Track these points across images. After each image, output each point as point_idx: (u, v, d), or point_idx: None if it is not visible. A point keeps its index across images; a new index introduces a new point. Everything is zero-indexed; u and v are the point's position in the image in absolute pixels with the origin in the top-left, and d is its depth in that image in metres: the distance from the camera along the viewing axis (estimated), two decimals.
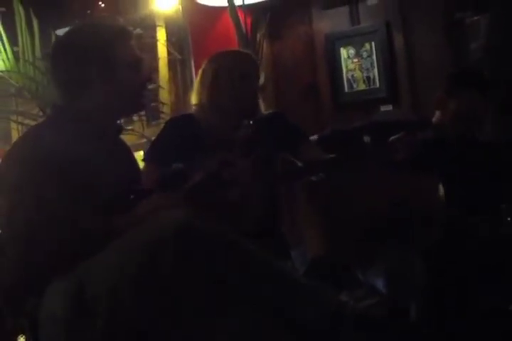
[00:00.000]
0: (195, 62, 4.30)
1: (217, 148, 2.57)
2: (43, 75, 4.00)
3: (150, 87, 3.87)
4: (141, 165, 2.60)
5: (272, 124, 2.74)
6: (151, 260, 1.65)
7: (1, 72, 4.03)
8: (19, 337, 2.00)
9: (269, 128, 2.71)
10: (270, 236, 2.47)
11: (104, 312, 1.66)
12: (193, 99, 2.77)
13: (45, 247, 1.76)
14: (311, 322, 1.73)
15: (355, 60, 4.23)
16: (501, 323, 2.27)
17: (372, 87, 4.19)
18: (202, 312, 1.64)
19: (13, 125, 4.53)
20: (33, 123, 3.93)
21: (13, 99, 4.43)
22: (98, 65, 2.02)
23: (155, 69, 4.41)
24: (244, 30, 4.04)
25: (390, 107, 4.13)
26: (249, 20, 4.12)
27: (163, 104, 4.40)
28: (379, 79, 4.15)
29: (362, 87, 4.22)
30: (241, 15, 4.04)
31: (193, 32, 4.38)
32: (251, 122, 2.70)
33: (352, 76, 4.24)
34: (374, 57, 4.16)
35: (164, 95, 4.48)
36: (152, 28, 4.48)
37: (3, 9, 4.10)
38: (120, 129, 2.22)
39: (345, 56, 4.26)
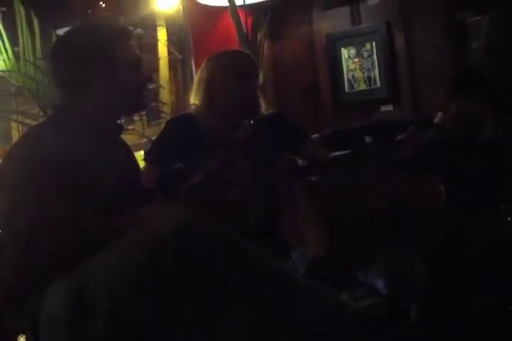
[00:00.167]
0: (195, 61, 4.30)
1: (217, 148, 2.57)
2: (43, 75, 4.00)
3: (150, 86, 3.88)
4: (142, 164, 2.60)
5: (272, 124, 2.74)
6: (151, 260, 1.65)
7: (2, 71, 4.04)
8: (20, 337, 2.01)
9: (270, 128, 2.71)
10: (270, 236, 2.47)
11: (105, 312, 1.65)
12: (192, 98, 2.77)
13: (45, 247, 1.76)
14: (311, 322, 1.73)
15: (356, 60, 4.23)
16: (501, 323, 2.26)
17: (372, 87, 4.19)
18: (202, 312, 1.64)
19: (14, 124, 4.53)
20: (33, 122, 3.94)
21: (14, 99, 4.43)
22: (98, 64, 2.02)
23: (155, 69, 4.41)
24: (244, 30, 4.04)
25: (390, 107, 4.13)
26: (249, 20, 4.12)
27: (164, 103, 4.40)
28: (380, 79, 4.15)
29: (362, 87, 4.22)
30: (242, 15, 4.04)
31: (194, 32, 4.39)
32: (251, 122, 2.70)
33: (353, 76, 4.24)
34: (375, 57, 4.16)
35: (165, 95, 4.48)
36: (153, 28, 4.48)
37: (3, 9, 4.10)
38: (121, 129, 2.22)
39: (346, 56, 4.26)
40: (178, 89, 4.52)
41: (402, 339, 1.89)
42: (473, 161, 2.75)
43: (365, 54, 4.19)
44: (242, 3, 4.02)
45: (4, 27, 3.98)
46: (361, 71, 4.21)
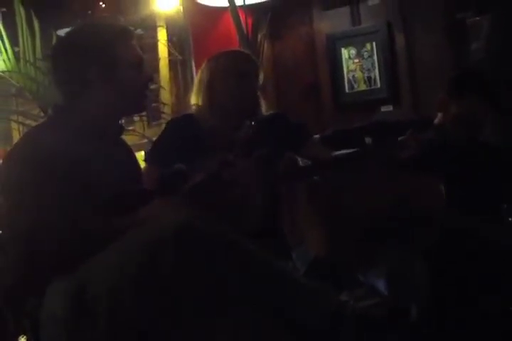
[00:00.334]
0: (196, 62, 4.31)
1: (217, 149, 2.57)
2: (43, 75, 4.00)
3: (151, 87, 3.88)
4: (142, 165, 2.60)
5: (273, 125, 2.74)
6: (151, 260, 1.65)
7: (2, 72, 4.04)
8: (20, 337, 2.01)
9: (270, 128, 2.71)
10: (271, 236, 2.47)
11: (105, 312, 1.65)
12: (193, 99, 2.77)
13: (46, 247, 1.76)
14: (311, 322, 1.73)
15: (356, 61, 4.23)
16: (501, 323, 2.26)
17: (373, 87, 4.19)
18: (202, 312, 1.64)
19: (14, 125, 4.53)
20: (33, 123, 3.93)
21: (14, 99, 4.43)
22: (99, 64, 2.02)
23: (156, 69, 4.41)
24: (245, 30, 4.04)
25: (390, 107, 4.13)
26: (250, 21, 4.12)
27: (164, 104, 4.41)
28: (380, 80, 4.15)
29: (363, 87, 4.23)
30: (242, 16, 4.04)
31: (194, 32, 4.39)
32: (252, 123, 2.70)
33: (353, 76, 4.25)
34: (375, 57, 4.16)
35: (165, 95, 4.48)
36: (153, 29, 4.48)
37: (3, 9, 4.10)
38: (121, 129, 2.22)
39: (346, 56, 4.26)
40: (178, 89, 4.52)
41: (402, 339, 1.89)
42: (474, 161, 2.75)
43: (366, 54, 4.19)
44: (242, 3, 4.02)
45: (4, 27, 3.98)
46: (361, 71, 4.21)
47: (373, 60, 4.17)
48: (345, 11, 4.25)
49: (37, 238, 1.76)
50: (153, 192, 2.04)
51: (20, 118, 4.22)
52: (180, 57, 4.46)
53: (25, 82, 4.04)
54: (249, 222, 2.30)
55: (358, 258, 2.40)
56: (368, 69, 4.19)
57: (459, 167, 2.69)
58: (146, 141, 4.05)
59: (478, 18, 3.76)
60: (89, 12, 4.48)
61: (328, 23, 4.33)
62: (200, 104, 2.72)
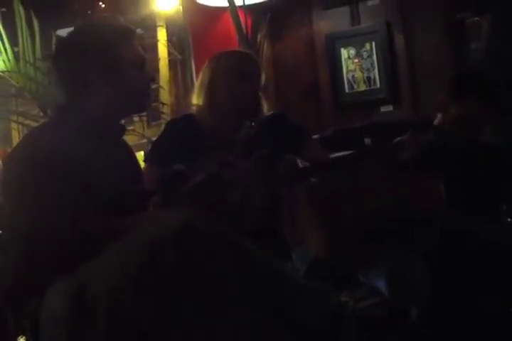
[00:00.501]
0: (195, 62, 4.31)
1: (217, 149, 2.57)
2: (43, 76, 4.00)
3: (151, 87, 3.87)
4: (142, 165, 2.60)
5: (274, 125, 2.73)
6: (151, 260, 1.65)
7: (2, 72, 4.03)
8: (20, 337, 2.01)
9: (271, 129, 2.71)
10: (271, 236, 2.47)
11: (105, 312, 1.65)
12: (194, 99, 2.76)
13: (46, 247, 1.76)
14: (311, 322, 1.73)
15: (356, 61, 4.23)
16: (501, 324, 2.26)
17: (372, 87, 4.19)
18: (202, 312, 1.64)
19: (14, 125, 4.53)
20: (33, 123, 3.94)
21: (14, 100, 4.43)
22: (100, 65, 2.02)
23: (155, 69, 4.40)
24: (244, 30, 4.04)
25: (390, 108, 4.13)
26: (249, 21, 4.12)
27: (164, 104, 4.40)
28: (379, 80, 4.15)
29: (362, 87, 4.23)
30: (241, 16, 4.04)
31: (194, 32, 4.38)
32: (253, 123, 2.70)
33: (352, 76, 4.24)
34: (374, 57, 4.16)
35: (165, 95, 4.48)
36: (153, 28, 4.48)
37: (3, 9, 4.10)
38: (123, 130, 2.22)
39: (346, 56, 4.26)
40: (178, 89, 4.52)
41: (402, 339, 1.90)
42: (473, 162, 2.75)
43: (365, 54, 4.19)
44: (241, 3, 4.02)
45: (4, 27, 3.98)
46: (361, 71, 4.21)
47: (373, 60, 4.17)
48: (344, 10, 4.25)
49: (37, 238, 1.77)
50: (153, 192, 2.04)
51: (20, 119, 4.21)
52: (179, 57, 4.46)
53: (24, 82, 4.04)
54: (249, 222, 2.30)
55: (358, 258, 2.40)
56: (368, 70, 4.19)
57: (459, 168, 2.68)
58: (145, 141, 4.05)
59: (477, 18, 3.76)
60: (89, 12, 4.47)
61: (328, 23, 4.33)
62: (201, 104, 2.72)
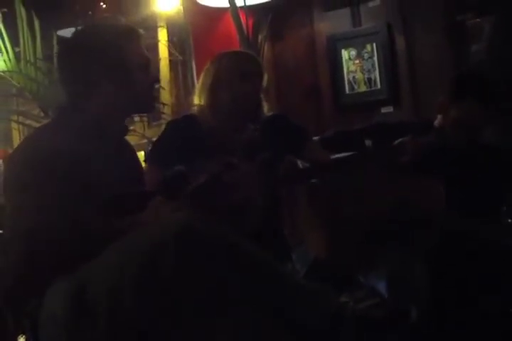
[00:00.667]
0: (196, 62, 4.31)
1: (218, 150, 2.57)
2: (44, 76, 4.01)
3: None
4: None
5: (274, 126, 2.74)
6: (152, 261, 1.65)
7: (3, 72, 4.03)
8: (19, 337, 2.01)
9: (272, 130, 2.71)
10: (271, 237, 2.47)
11: (105, 312, 1.65)
12: (195, 100, 2.77)
13: (46, 247, 1.76)
14: (311, 322, 1.74)
15: (357, 62, 4.23)
16: (501, 325, 2.26)
17: (373, 88, 4.19)
18: (202, 313, 1.64)
19: (14, 125, 4.54)
20: (33, 123, 3.95)
21: (14, 100, 4.43)
22: (105, 65, 2.02)
23: (156, 70, 4.40)
24: (245, 31, 4.04)
25: (390, 109, 4.13)
26: (250, 22, 4.12)
27: (164, 104, 4.40)
28: (380, 81, 4.15)
29: (363, 88, 4.23)
30: (242, 17, 4.04)
31: (195, 33, 4.38)
32: (257, 127, 2.70)
33: (353, 77, 4.24)
34: (375, 58, 4.16)
35: (165, 96, 4.48)
36: (153, 29, 4.48)
37: (4, 10, 4.09)
38: (126, 130, 2.22)
39: (347, 57, 4.26)
40: (178, 90, 4.52)
41: (402, 339, 1.90)
42: (473, 164, 2.75)
43: (366, 55, 4.19)
44: (242, 4, 4.02)
45: (5, 28, 3.98)
46: (362, 72, 4.21)
47: (373, 61, 4.17)
48: (345, 12, 4.25)
49: (37, 238, 1.77)
50: (153, 193, 2.04)
51: (21, 119, 4.22)
52: (180, 58, 4.46)
53: (25, 82, 4.04)
54: (249, 222, 2.30)
55: (358, 260, 2.40)
56: (368, 71, 4.19)
57: (459, 169, 2.69)
58: (146, 141, 4.05)
59: (478, 20, 3.76)
60: (90, 12, 4.47)
61: (329, 24, 4.33)
62: (202, 104, 2.72)
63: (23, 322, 1.87)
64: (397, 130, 2.86)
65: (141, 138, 4.13)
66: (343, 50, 4.27)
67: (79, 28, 2.15)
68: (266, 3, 4.15)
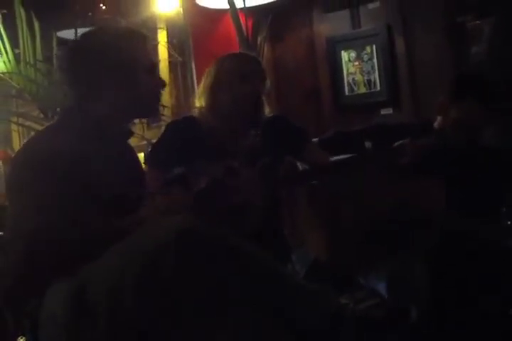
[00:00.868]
0: (196, 64, 4.31)
1: (218, 151, 2.57)
2: (43, 77, 4.00)
3: None
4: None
5: (275, 128, 2.74)
6: (153, 262, 1.65)
7: (2, 73, 4.03)
8: (19, 338, 2.00)
9: (272, 131, 2.71)
10: (271, 237, 2.47)
11: (105, 312, 1.66)
12: (196, 102, 2.77)
13: (46, 247, 1.77)
14: (311, 322, 1.74)
15: (356, 63, 4.23)
16: (501, 325, 2.27)
17: (372, 90, 4.19)
18: (202, 313, 1.64)
19: (14, 127, 4.53)
20: (33, 125, 3.95)
21: (14, 101, 4.43)
22: (111, 67, 2.02)
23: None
24: (245, 32, 4.04)
25: (390, 110, 4.13)
26: (250, 23, 4.12)
27: (164, 106, 4.39)
28: (380, 83, 4.15)
29: (363, 90, 4.23)
30: (242, 18, 4.04)
31: (194, 34, 4.38)
32: (258, 132, 2.70)
33: (353, 79, 4.25)
34: (375, 60, 4.16)
35: (165, 97, 4.46)
36: (153, 30, 4.47)
37: (4, 11, 4.09)
38: (129, 133, 2.22)
39: (346, 59, 4.26)
40: (178, 91, 4.52)
41: (402, 339, 1.90)
42: (473, 164, 2.75)
43: (365, 57, 4.19)
44: (242, 5, 4.02)
45: (5, 29, 3.97)
46: (361, 74, 4.21)
47: (373, 62, 4.17)
48: (345, 13, 4.25)
49: (38, 238, 1.77)
50: (154, 194, 2.04)
51: (20, 120, 4.22)
52: (180, 59, 4.46)
53: (25, 83, 4.03)
54: (250, 223, 2.30)
55: (359, 260, 2.40)
56: (368, 72, 4.19)
57: (459, 170, 2.69)
58: (145, 142, 4.04)
59: (478, 22, 3.76)
60: (90, 14, 4.47)
61: (329, 25, 4.33)
62: (203, 106, 2.72)
63: (23, 323, 1.86)
64: (396, 131, 2.86)
65: (140, 140, 4.12)
66: (342, 52, 4.27)
67: (86, 30, 2.16)
68: (266, 4, 4.15)
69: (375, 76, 4.16)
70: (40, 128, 3.59)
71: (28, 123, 4.10)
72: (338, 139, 3.04)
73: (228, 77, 2.67)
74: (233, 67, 2.69)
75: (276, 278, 1.77)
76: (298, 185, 2.54)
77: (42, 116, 3.99)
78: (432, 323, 2.19)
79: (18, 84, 4.06)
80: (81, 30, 3.48)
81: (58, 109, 3.79)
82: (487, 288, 2.29)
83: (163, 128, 2.99)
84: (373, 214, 2.39)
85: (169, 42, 4.48)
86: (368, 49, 4.17)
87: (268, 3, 4.15)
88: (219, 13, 4.29)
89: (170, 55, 4.49)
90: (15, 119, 4.27)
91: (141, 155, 3.24)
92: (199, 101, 2.75)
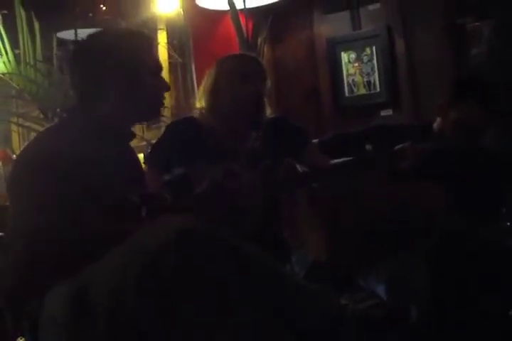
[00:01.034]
0: (196, 65, 4.31)
1: (218, 151, 2.57)
2: (43, 78, 4.00)
3: None
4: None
5: (275, 129, 2.74)
6: (153, 263, 1.65)
7: (2, 74, 4.03)
8: (19, 338, 2.00)
9: (273, 132, 2.71)
10: (271, 239, 2.47)
11: (105, 313, 1.65)
12: (197, 103, 2.77)
13: (47, 248, 1.76)
14: (311, 322, 1.74)
15: (356, 65, 4.24)
16: (501, 325, 2.27)
17: (372, 91, 4.20)
18: (202, 313, 1.64)
19: (14, 127, 4.53)
20: (33, 125, 3.95)
21: (14, 101, 4.43)
22: (116, 68, 2.02)
23: None
24: (245, 33, 4.04)
25: (390, 112, 4.13)
26: (250, 24, 4.12)
27: (164, 107, 4.39)
28: (379, 84, 4.16)
29: (362, 91, 4.23)
30: (242, 19, 4.04)
31: (195, 35, 4.38)
32: (259, 134, 2.70)
33: (352, 80, 4.25)
34: (374, 61, 4.17)
35: None
36: (153, 31, 4.47)
37: (4, 11, 4.09)
38: (132, 136, 2.22)
39: (346, 60, 4.27)
40: (178, 92, 4.51)
41: (402, 339, 1.90)
42: (473, 166, 2.75)
43: (365, 58, 4.20)
44: (242, 6, 4.02)
45: (5, 29, 3.97)
46: (361, 75, 4.22)
47: (373, 64, 4.18)
48: (345, 15, 4.26)
49: (38, 238, 1.77)
50: (153, 195, 2.04)
51: (20, 121, 4.21)
52: (180, 60, 4.46)
53: (25, 84, 4.03)
54: (250, 223, 2.30)
55: (359, 261, 2.40)
56: (368, 74, 4.20)
57: (459, 171, 2.69)
58: (145, 143, 4.05)
59: (478, 23, 3.77)
60: (90, 14, 4.47)
61: (329, 27, 4.34)
62: (202, 107, 2.72)
63: (22, 323, 1.86)
64: (396, 132, 2.86)
65: (140, 141, 4.12)
66: (342, 53, 4.28)
67: (86, 31, 2.16)
68: (266, 5, 4.15)
69: (375, 77, 4.17)
70: (40, 128, 3.60)
71: (28, 123, 4.10)
72: (338, 142, 3.04)
73: (229, 77, 2.67)
74: (234, 67, 2.70)
75: (276, 278, 1.77)
76: (298, 187, 2.53)
77: (42, 116, 3.99)
78: (432, 323, 2.20)
79: (18, 85, 4.06)
80: (81, 31, 3.51)
81: (58, 110, 3.79)
82: (487, 289, 2.29)
83: (162, 129, 3.00)
84: (373, 215, 2.39)
85: (169, 43, 4.48)
86: (368, 50, 4.18)
87: (268, 5, 4.15)
88: (219, 14, 4.29)
89: (170, 56, 4.49)
90: (15, 120, 4.27)
91: (140, 156, 3.25)
92: (200, 103, 2.75)
